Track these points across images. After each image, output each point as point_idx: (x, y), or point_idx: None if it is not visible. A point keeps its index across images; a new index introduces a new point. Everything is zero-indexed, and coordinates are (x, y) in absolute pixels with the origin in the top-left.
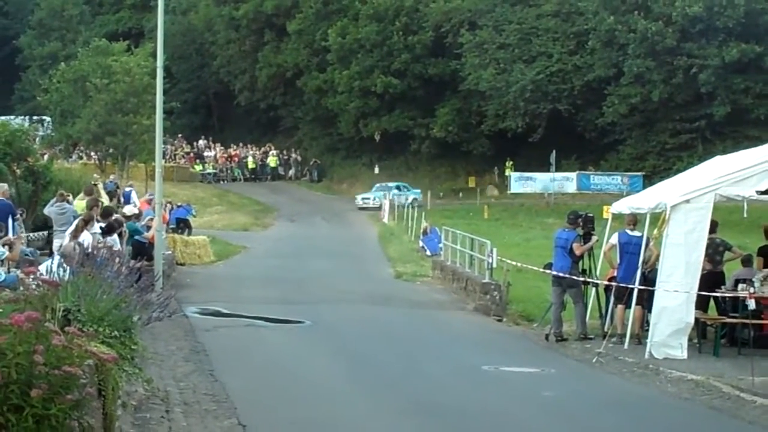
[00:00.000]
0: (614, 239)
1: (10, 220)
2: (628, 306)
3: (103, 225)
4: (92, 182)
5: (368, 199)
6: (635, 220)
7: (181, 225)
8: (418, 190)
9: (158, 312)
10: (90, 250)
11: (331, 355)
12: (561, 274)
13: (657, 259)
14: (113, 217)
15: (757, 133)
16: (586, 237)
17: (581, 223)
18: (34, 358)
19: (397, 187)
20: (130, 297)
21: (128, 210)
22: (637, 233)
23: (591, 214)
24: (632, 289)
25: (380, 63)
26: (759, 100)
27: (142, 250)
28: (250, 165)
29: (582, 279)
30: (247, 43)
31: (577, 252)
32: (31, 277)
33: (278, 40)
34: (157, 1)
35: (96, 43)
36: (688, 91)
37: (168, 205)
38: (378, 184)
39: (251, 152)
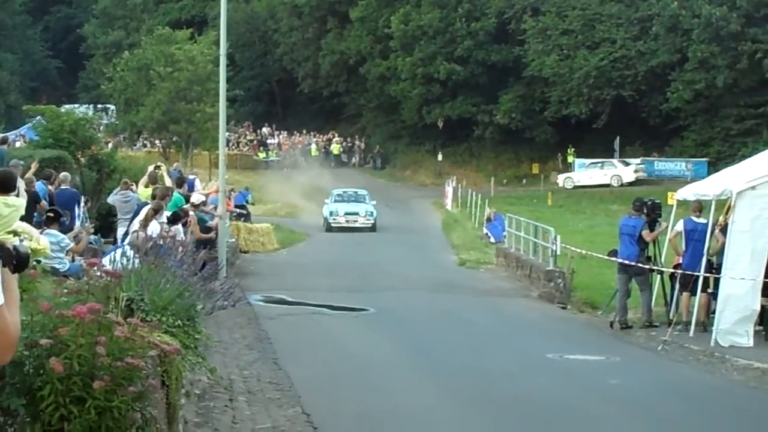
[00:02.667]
0: (680, 226)
1: (76, 209)
2: (693, 293)
3: (169, 214)
4: (155, 168)
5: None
6: (701, 206)
7: (243, 211)
8: (373, 204)
9: (222, 300)
10: (157, 239)
11: (395, 344)
12: (628, 262)
13: (723, 246)
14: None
15: None
16: (652, 224)
17: (647, 210)
18: (96, 350)
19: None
20: (193, 286)
21: (195, 198)
22: (702, 220)
23: (658, 201)
24: (697, 276)
25: (443, 50)
26: None
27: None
28: (313, 152)
29: (648, 266)
30: (310, 31)
31: (648, 239)
32: (95, 267)
33: (341, 28)
34: None
35: (159, 32)
36: (752, 76)
37: (231, 192)
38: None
39: (314, 139)
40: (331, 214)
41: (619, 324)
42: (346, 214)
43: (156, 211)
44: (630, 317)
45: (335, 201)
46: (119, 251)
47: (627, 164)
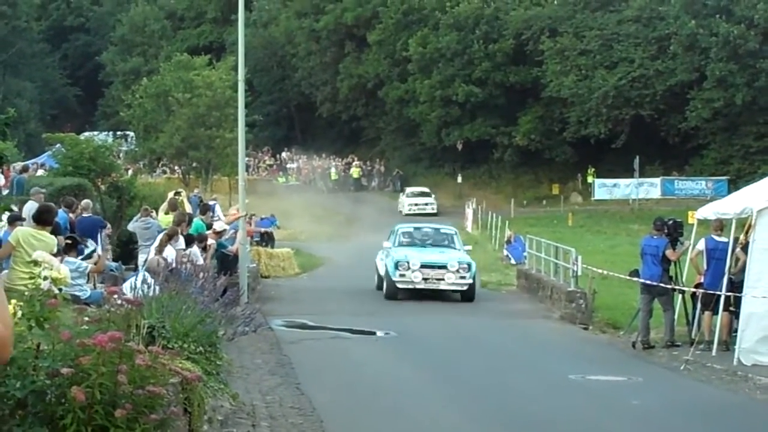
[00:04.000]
0: (701, 245)
1: (99, 235)
2: (715, 312)
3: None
4: (175, 194)
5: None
6: (722, 225)
7: (265, 237)
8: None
9: (243, 326)
10: (174, 264)
11: (416, 367)
12: (653, 282)
13: (744, 264)
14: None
15: None
16: (674, 243)
17: (668, 230)
18: (117, 378)
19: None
20: (214, 312)
21: (218, 226)
22: (723, 239)
23: (679, 220)
24: (719, 295)
25: (461, 72)
26: None
27: (227, 263)
28: (333, 176)
29: (670, 286)
30: (328, 55)
31: (672, 258)
32: (115, 295)
33: (359, 51)
34: (237, 15)
35: (177, 58)
36: None
37: (252, 217)
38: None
39: (334, 163)
40: (396, 266)
41: (642, 344)
42: (425, 266)
43: (170, 237)
44: (652, 337)
45: (402, 244)
46: (140, 276)
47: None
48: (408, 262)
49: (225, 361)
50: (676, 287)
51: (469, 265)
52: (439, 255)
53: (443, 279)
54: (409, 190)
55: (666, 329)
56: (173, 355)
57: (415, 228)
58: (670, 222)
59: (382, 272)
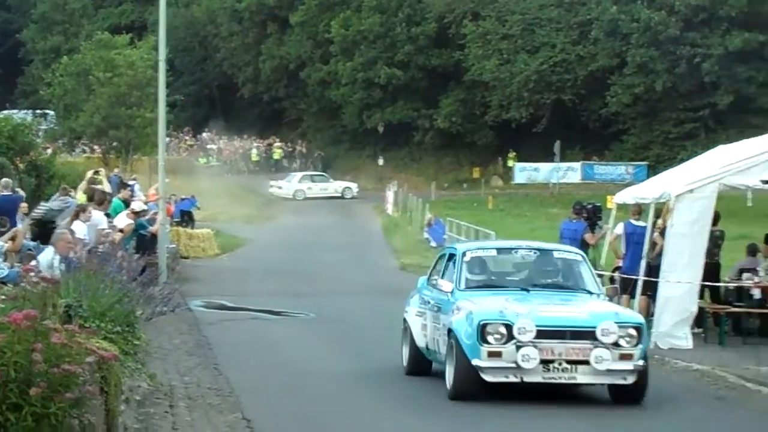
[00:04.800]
0: (619, 229)
1: (17, 214)
2: (632, 296)
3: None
4: (94, 173)
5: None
6: (640, 209)
7: (185, 218)
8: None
9: (161, 306)
10: (87, 240)
11: (335, 348)
12: None
13: (662, 249)
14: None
15: (761, 121)
16: (593, 227)
17: (587, 214)
18: (32, 357)
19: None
20: (132, 292)
21: (136, 206)
22: (642, 223)
23: (598, 204)
24: (637, 279)
25: (383, 54)
26: (762, 89)
27: (145, 243)
28: (254, 157)
29: None
30: (250, 36)
31: (591, 242)
32: (32, 273)
33: (281, 32)
34: None
35: (98, 37)
36: (691, 80)
37: (172, 197)
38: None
39: (255, 144)
40: (481, 334)
41: None
42: (547, 334)
43: (77, 214)
44: None
45: (479, 286)
46: (48, 251)
47: None
48: (511, 326)
49: (143, 342)
50: (595, 271)
51: (639, 329)
52: (570, 308)
53: (587, 361)
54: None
55: None
56: (90, 333)
57: (503, 250)
58: (590, 206)
59: (432, 341)
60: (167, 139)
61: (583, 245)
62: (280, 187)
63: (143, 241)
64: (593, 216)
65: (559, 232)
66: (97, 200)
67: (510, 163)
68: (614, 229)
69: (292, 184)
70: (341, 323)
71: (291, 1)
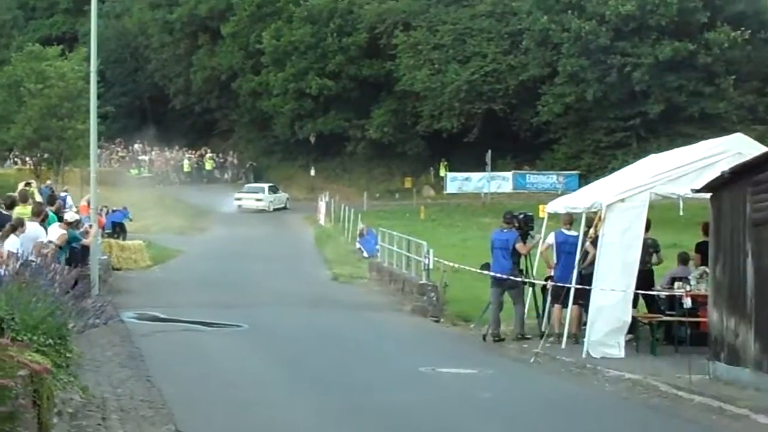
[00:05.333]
0: (551, 239)
1: None
2: (565, 305)
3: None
4: (25, 185)
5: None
6: (571, 219)
7: (117, 229)
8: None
9: (94, 318)
10: (22, 255)
11: (268, 359)
12: (503, 276)
13: (594, 258)
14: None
15: (692, 130)
16: (524, 236)
17: (519, 223)
18: None
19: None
20: (65, 304)
21: (69, 216)
22: (573, 233)
23: (530, 214)
24: (569, 288)
25: (315, 65)
26: (692, 98)
27: (77, 255)
28: (186, 168)
29: (521, 279)
30: (181, 47)
31: (523, 251)
32: None
33: (212, 43)
34: (90, 6)
35: (29, 48)
36: (622, 89)
37: (104, 209)
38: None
39: (187, 155)
40: None
41: (492, 337)
42: None
43: (15, 228)
44: (503, 330)
45: None
46: None
47: None
48: None
49: (75, 354)
50: (526, 280)
51: None
52: None
53: None
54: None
55: (516, 322)
56: (22, 347)
57: None
58: (521, 216)
59: None
60: (99, 150)
61: (515, 255)
62: (259, 200)
63: (75, 253)
64: (524, 226)
65: (490, 242)
66: (34, 212)
67: (442, 172)
68: (546, 239)
69: (267, 196)
70: (274, 334)
71: (222, 12)
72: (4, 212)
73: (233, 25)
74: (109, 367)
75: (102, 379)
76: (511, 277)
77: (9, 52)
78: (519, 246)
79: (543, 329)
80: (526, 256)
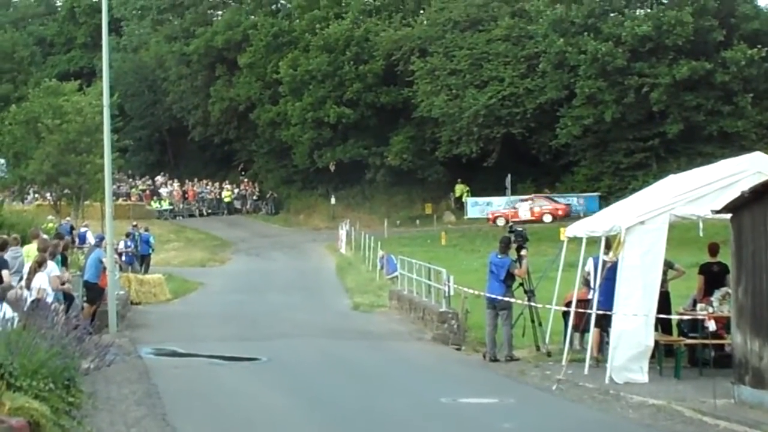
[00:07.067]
0: (589, 265)
1: None
2: (586, 330)
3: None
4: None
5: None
6: (609, 244)
7: (138, 257)
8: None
9: (110, 355)
10: (47, 291)
11: (287, 393)
12: (497, 297)
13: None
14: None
15: (711, 149)
16: (519, 250)
17: (514, 236)
18: None
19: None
20: (70, 345)
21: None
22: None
23: (521, 228)
24: (603, 312)
25: (332, 93)
26: (711, 117)
27: (94, 292)
28: (207, 200)
29: (512, 301)
30: (198, 78)
31: (520, 275)
32: None
33: (230, 74)
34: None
35: (46, 84)
36: (640, 110)
37: (134, 229)
38: None
39: (207, 187)
40: None
41: (489, 358)
42: None
43: (40, 264)
44: (515, 353)
45: None
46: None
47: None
48: None
49: (81, 397)
50: (533, 304)
51: None
52: None
53: None
54: None
55: (505, 344)
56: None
57: None
58: (516, 230)
59: None
60: (119, 184)
61: (509, 278)
62: None
63: (92, 290)
64: (518, 239)
65: (488, 266)
66: (40, 249)
67: (459, 193)
68: (585, 266)
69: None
70: (293, 366)
71: (239, 43)
72: None
73: (250, 55)
74: (124, 406)
75: (116, 419)
76: (504, 299)
77: (27, 88)
78: (516, 271)
79: (566, 355)
80: (525, 277)
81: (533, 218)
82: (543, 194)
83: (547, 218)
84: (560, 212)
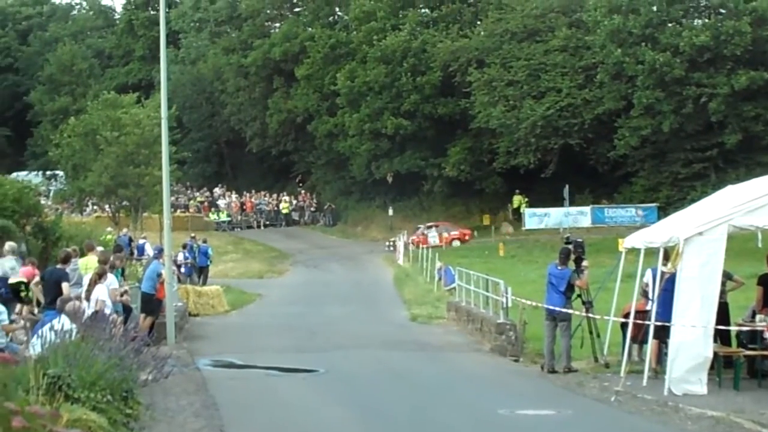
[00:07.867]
0: (648, 276)
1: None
2: (644, 341)
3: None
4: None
5: None
6: (667, 255)
7: (196, 269)
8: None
9: (169, 367)
10: (107, 303)
11: (344, 405)
12: (556, 308)
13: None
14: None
15: None
16: (578, 261)
17: (573, 247)
18: None
19: None
20: (128, 356)
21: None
22: (671, 269)
23: (580, 239)
24: (662, 323)
25: (390, 105)
26: None
27: (151, 304)
28: (265, 211)
29: (572, 312)
30: (256, 90)
31: (582, 286)
32: None
33: (287, 86)
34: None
35: (105, 97)
36: (698, 120)
37: (193, 238)
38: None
39: (265, 199)
40: None
41: (547, 370)
42: None
43: (100, 276)
44: (573, 365)
45: None
46: (56, 321)
47: None
48: None
49: (139, 409)
50: (591, 315)
51: None
52: None
53: None
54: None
55: (564, 356)
56: (53, 416)
57: None
58: (575, 241)
59: None
60: (178, 196)
61: (569, 290)
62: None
63: (149, 302)
64: (576, 251)
65: (547, 277)
66: (101, 260)
67: (516, 203)
68: (643, 277)
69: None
70: (350, 378)
71: (296, 55)
72: (59, 266)
73: (307, 67)
74: (182, 417)
75: (174, 430)
76: (564, 310)
77: (86, 101)
78: (577, 282)
79: (624, 366)
80: (585, 288)
81: (441, 244)
82: (447, 222)
83: (456, 243)
84: (466, 237)
